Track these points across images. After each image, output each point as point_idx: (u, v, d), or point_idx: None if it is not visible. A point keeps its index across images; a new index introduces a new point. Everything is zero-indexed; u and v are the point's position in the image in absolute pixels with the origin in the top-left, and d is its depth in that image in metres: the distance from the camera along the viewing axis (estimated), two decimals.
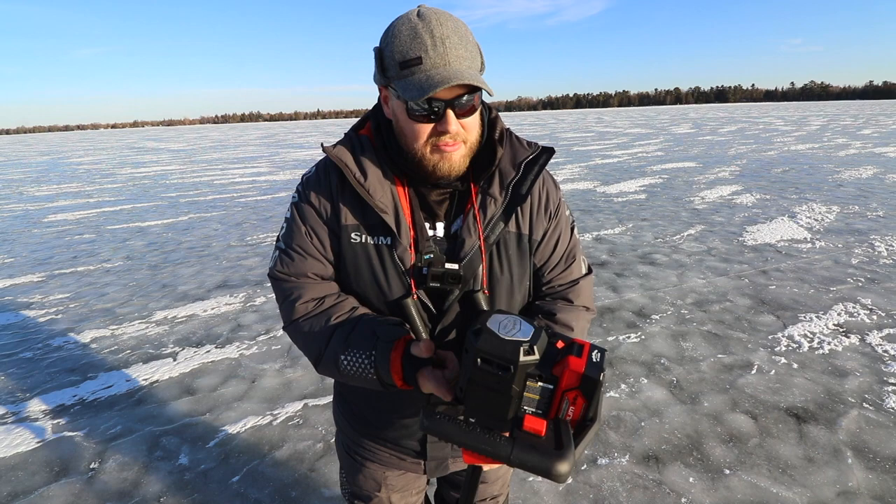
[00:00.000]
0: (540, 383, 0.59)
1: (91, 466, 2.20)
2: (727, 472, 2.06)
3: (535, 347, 0.57)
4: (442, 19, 0.75)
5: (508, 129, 0.92)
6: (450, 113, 0.76)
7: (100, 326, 3.64)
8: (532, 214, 0.92)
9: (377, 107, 0.91)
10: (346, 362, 0.82)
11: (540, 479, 2.04)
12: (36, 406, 2.67)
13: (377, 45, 0.81)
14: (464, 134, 0.80)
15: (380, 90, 0.85)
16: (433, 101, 0.75)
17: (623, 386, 2.69)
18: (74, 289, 4.49)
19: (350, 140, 0.89)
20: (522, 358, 0.56)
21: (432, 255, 0.85)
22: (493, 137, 0.89)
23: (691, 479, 2.03)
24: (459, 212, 0.89)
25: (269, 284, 4.27)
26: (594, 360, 0.59)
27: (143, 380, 2.88)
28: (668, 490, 1.98)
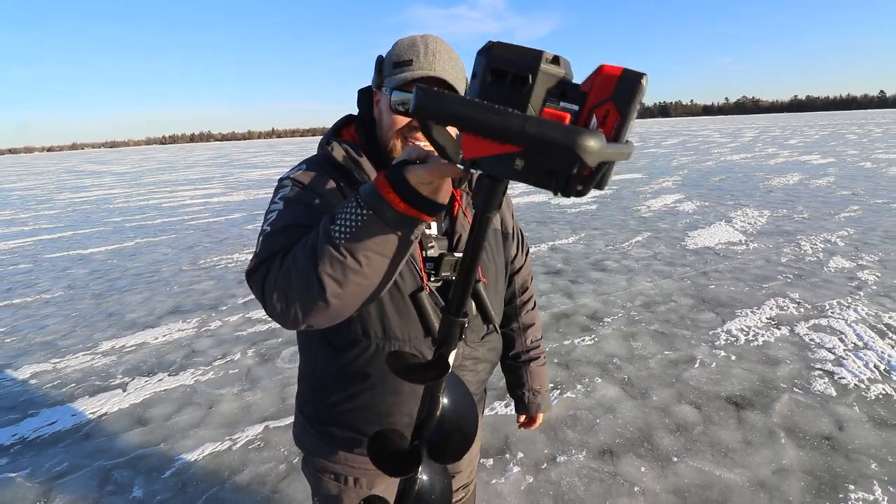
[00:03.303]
0: (563, 103, 0.46)
1: None
2: (675, 459, 2.20)
3: (560, 60, 0.46)
4: (438, 41, 0.87)
5: None
6: None
7: (40, 360, 3.44)
8: (503, 212, 1.08)
9: (358, 116, 0.97)
10: (337, 227, 0.64)
11: (503, 480, 2.11)
12: None
13: (380, 55, 0.91)
14: None
15: (374, 93, 0.93)
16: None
17: (579, 386, 2.81)
18: (10, 322, 4.21)
19: (343, 144, 0.90)
20: (544, 65, 0.44)
21: (438, 249, 0.91)
22: None
23: (643, 469, 2.15)
24: (447, 212, 0.97)
25: (224, 308, 4.09)
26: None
27: (91, 413, 2.74)
28: (622, 481, 2.09)
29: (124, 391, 2.96)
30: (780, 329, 3.43)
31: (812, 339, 3.26)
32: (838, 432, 2.34)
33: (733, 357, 3.08)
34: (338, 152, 0.88)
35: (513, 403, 1.27)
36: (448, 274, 0.90)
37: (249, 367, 3.18)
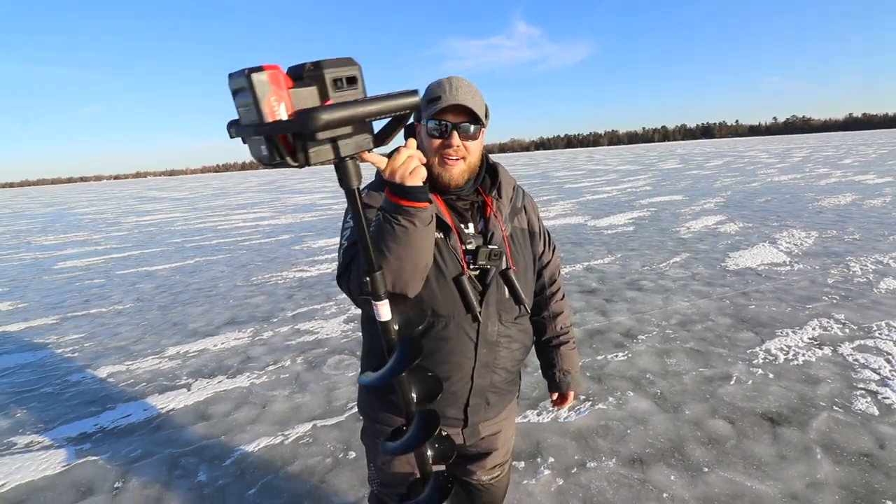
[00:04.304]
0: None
1: (115, 486, 2.35)
2: (706, 469, 2.24)
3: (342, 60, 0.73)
4: (460, 79, 1.11)
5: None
6: (454, 132, 1.08)
7: (115, 363, 3.83)
8: (529, 215, 1.29)
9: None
10: (384, 232, 0.93)
11: (534, 482, 2.21)
12: (59, 434, 2.83)
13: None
14: (464, 152, 1.11)
15: (416, 128, 1.17)
16: (443, 122, 1.07)
17: (611, 399, 2.88)
18: (88, 329, 4.69)
19: None
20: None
21: (475, 244, 1.14)
22: (491, 166, 1.24)
23: (672, 478, 2.20)
24: (481, 216, 1.20)
25: (275, 320, 4.39)
26: None
27: (160, 409, 3.05)
28: (651, 487, 2.15)
29: (188, 390, 3.27)
30: (822, 349, 3.37)
31: (856, 360, 3.19)
32: (879, 450, 2.31)
33: (771, 375, 3.06)
34: None
35: (547, 390, 1.45)
36: (484, 262, 1.11)
37: (299, 373, 3.43)
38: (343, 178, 0.80)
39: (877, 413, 2.60)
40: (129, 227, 13.72)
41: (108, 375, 3.60)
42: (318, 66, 0.72)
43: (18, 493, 2.34)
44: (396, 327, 0.90)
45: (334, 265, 6.71)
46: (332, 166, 0.79)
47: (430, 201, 0.93)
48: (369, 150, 0.79)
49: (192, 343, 4.13)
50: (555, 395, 1.43)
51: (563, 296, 1.43)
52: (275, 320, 4.59)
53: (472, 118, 1.09)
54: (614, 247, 6.99)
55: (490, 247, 1.13)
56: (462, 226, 1.16)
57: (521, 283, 1.19)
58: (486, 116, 1.14)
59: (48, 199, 37.53)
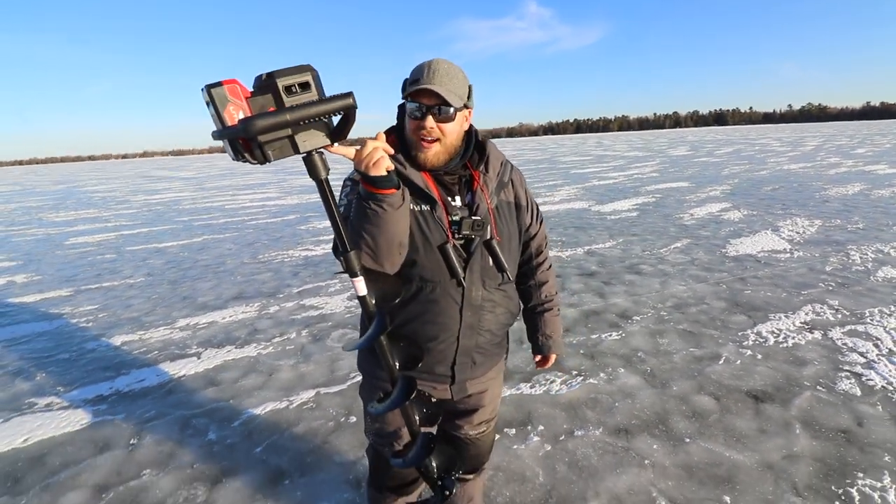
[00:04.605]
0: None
1: (131, 442, 2.51)
2: (687, 440, 2.35)
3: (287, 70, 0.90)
4: (440, 62, 1.18)
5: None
6: (428, 115, 1.15)
7: (128, 332, 3.99)
8: (516, 189, 1.37)
9: (396, 127, 1.28)
10: (359, 214, 1.09)
11: (523, 447, 2.34)
12: (77, 396, 3.00)
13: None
14: (438, 133, 1.18)
15: (400, 108, 1.25)
16: (420, 105, 1.15)
17: (602, 374, 2.99)
18: (101, 301, 4.85)
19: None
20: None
21: (460, 215, 1.23)
22: (480, 143, 1.31)
23: (655, 447, 2.32)
24: (468, 189, 1.28)
25: (281, 295, 4.54)
26: None
27: (172, 374, 3.21)
28: (634, 455, 2.27)
29: (198, 359, 3.42)
30: (812, 333, 3.45)
31: (845, 343, 3.27)
32: (857, 427, 2.41)
33: (759, 356, 3.15)
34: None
35: (531, 355, 1.57)
36: (468, 232, 1.20)
37: (303, 345, 3.57)
38: (310, 171, 0.95)
39: (859, 393, 2.69)
40: (138, 205, 13.91)
41: (121, 344, 3.76)
42: (270, 76, 0.87)
43: (41, 447, 2.51)
44: (373, 301, 1.06)
45: None
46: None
47: (398, 187, 1.05)
48: (332, 145, 0.94)
49: (202, 315, 4.28)
50: (538, 358, 1.54)
51: (550, 266, 1.52)
52: (281, 296, 4.73)
53: (444, 99, 1.14)
54: (616, 232, 7.05)
55: (474, 217, 1.22)
56: (449, 199, 1.25)
57: (504, 252, 1.28)
58: (469, 97, 1.21)
59: (58, 177, 37.88)
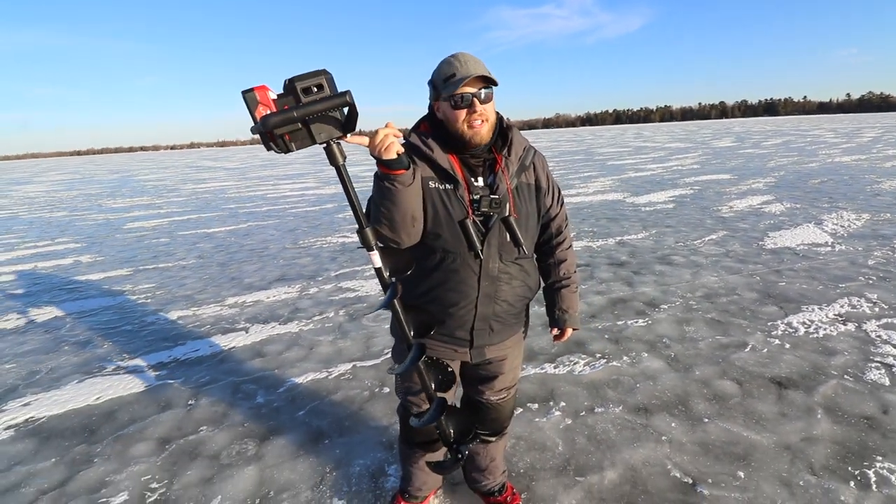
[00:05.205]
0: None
1: (189, 403, 2.80)
2: (706, 420, 2.43)
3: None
4: (465, 54, 1.33)
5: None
6: (476, 100, 1.30)
7: (183, 308, 4.35)
8: (537, 172, 1.49)
9: (427, 116, 1.45)
10: (376, 191, 1.27)
11: (545, 420, 2.48)
12: (141, 362, 3.34)
13: (430, 79, 1.39)
14: (486, 114, 1.33)
15: (434, 105, 1.40)
16: (465, 94, 1.29)
17: (625, 358, 3.08)
18: (158, 280, 5.27)
19: (419, 133, 1.40)
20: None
21: (480, 194, 1.37)
22: (504, 128, 1.45)
23: (674, 425, 2.41)
24: (490, 171, 1.42)
25: (320, 278, 4.83)
26: None
27: (223, 346, 3.51)
28: (651, 431, 2.37)
29: (246, 333, 3.72)
30: (846, 325, 3.41)
31: (879, 336, 3.22)
32: (881, 415, 2.42)
33: (787, 345, 3.15)
34: (413, 139, 1.38)
35: (550, 329, 1.68)
36: (487, 209, 1.34)
37: (341, 323, 3.81)
38: (330, 158, 1.16)
39: (888, 383, 2.68)
40: (187, 193, 14.69)
41: (177, 318, 4.12)
42: (291, 81, 1.09)
43: (111, 405, 2.84)
44: (388, 273, 1.27)
45: None
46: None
47: (408, 168, 1.21)
48: (345, 135, 1.14)
49: (248, 295, 4.61)
50: (554, 331, 1.66)
51: (570, 246, 1.63)
52: (320, 279, 5.01)
53: (486, 82, 1.30)
54: (650, 223, 6.99)
55: (492, 196, 1.35)
56: (472, 179, 1.39)
57: (521, 229, 1.40)
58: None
59: (113, 167, 40.17)
